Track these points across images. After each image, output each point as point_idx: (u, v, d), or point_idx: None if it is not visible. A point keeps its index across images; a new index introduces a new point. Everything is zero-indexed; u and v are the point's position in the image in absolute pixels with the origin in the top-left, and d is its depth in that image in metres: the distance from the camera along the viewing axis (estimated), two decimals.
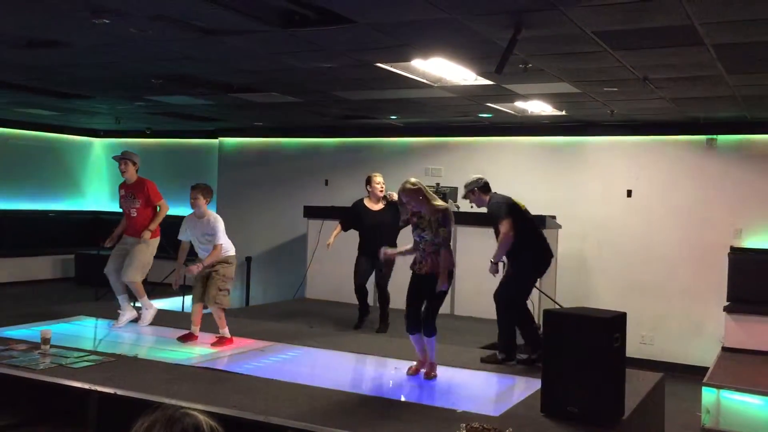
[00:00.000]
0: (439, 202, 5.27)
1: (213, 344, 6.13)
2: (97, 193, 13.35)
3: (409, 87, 6.95)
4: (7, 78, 7.54)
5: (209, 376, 5.18)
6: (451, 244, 5.27)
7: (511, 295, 5.69)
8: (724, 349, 7.83)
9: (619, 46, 5.09)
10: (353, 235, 7.56)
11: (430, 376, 5.23)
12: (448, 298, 7.89)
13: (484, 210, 6.02)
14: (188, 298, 6.56)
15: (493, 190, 5.90)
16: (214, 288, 6.13)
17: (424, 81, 6.54)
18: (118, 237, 7.01)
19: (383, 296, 7.39)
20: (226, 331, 6.18)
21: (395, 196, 5.43)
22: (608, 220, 9.24)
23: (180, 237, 6.37)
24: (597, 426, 4.10)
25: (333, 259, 8.66)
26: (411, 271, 5.32)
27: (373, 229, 7.30)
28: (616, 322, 4.25)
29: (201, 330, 6.33)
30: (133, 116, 10.68)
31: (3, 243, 11.50)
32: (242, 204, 11.57)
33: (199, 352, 5.99)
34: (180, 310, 8.79)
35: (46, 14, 4.84)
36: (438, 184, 8.41)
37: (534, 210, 6.10)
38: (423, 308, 5.19)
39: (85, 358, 5.41)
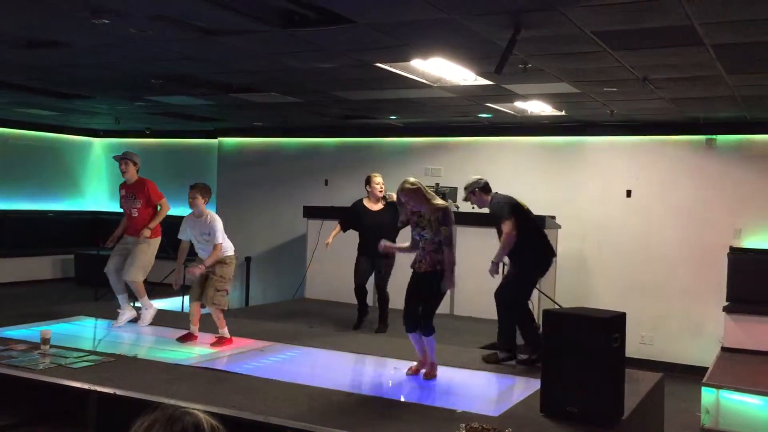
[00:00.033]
0: (438, 201, 5.28)
1: (212, 344, 6.13)
2: (96, 194, 13.35)
3: (408, 87, 6.95)
4: (7, 78, 7.54)
5: (209, 376, 5.18)
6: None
7: (513, 295, 5.69)
8: (723, 349, 7.83)
9: (618, 46, 5.09)
10: (353, 236, 7.56)
11: (430, 376, 5.23)
12: (447, 298, 7.91)
13: (484, 210, 6.02)
14: (188, 298, 6.56)
15: (494, 191, 5.89)
16: (211, 289, 6.12)
17: (424, 81, 6.54)
18: (119, 237, 7.02)
19: (382, 297, 7.40)
20: (225, 331, 6.18)
21: (395, 197, 5.43)
22: (608, 220, 9.24)
23: (180, 236, 6.37)
24: (596, 426, 4.10)
25: (332, 260, 8.67)
26: (411, 271, 5.33)
27: (373, 229, 7.30)
28: (616, 322, 4.25)
29: (200, 330, 6.33)
30: (132, 116, 10.68)
31: (3, 243, 11.50)
32: (242, 204, 11.57)
33: (198, 352, 5.99)
34: (179, 310, 8.79)
35: (46, 14, 4.84)
36: (437, 184, 8.41)
37: (534, 210, 6.10)
38: (421, 307, 5.19)
39: (85, 358, 5.41)
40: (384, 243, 5.47)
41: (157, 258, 7.01)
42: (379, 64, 6.00)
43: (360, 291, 7.49)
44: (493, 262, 5.66)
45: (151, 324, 6.96)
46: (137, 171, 7.00)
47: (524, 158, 9.76)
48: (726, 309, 7.99)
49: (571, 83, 6.52)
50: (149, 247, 6.87)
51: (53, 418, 5.01)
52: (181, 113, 9.94)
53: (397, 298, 5.48)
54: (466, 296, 8.29)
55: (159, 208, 6.93)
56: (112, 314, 7.29)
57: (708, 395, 6.44)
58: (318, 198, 10.58)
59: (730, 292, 8.27)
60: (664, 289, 8.90)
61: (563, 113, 8.32)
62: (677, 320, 8.85)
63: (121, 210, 7.17)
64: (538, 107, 7.95)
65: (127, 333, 6.79)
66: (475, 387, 5.30)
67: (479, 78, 6.36)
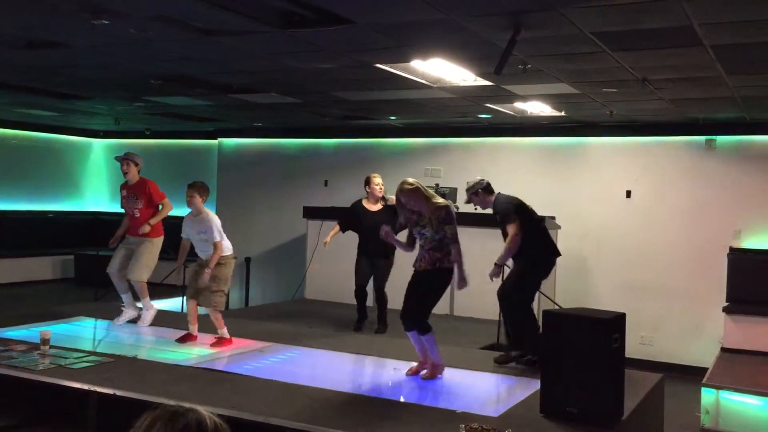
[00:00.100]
0: (438, 200, 5.29)
1: (212, 345, 6.13)
2: (96, 194, 13.34)
3: (408, 88, 6.95)
4: (7, 78, 7.54)
5: (208, 376, 5.18)
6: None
7: (517, 295, 5.66)
8: (723, 349, 7.83)
9: (618, 47, 5.09)
10: (352, 236, 7.56)
11: (428, 376, 5.22)
12: (447, 298, 7.94)
13: (487, 211, 5.99)
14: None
15: (496, 191, 5.86)
16: (208, 289, 6.13)
17: (424, 82, 6.54)
18: (120, 237, 7.05)
19: (381, 297, 7.40)
20: (224, 332, 6.18)
21: (395, 201, 5.42)
22: (607, 221, 9.24)
23: (182, 235, 6.38)
24: (596, 426, 4.10)
25: (332, 260, 8.67)
26: (411, 272, 5.33)
27: (372, 230, 7.27)
28: (616, 322, 4.25)
29: (200, 331, 6.33)
30: (132, 117, 10.68)
31: (2, 243, 11.49)
32: (241, 205, 11.57)
33: (198, 352, 6.00)
34: (179, 310, 8.78)
35: (46, 15, 4.84)
36: (437, 185, 8.41)
37: None
38: (417, 303, 5.19)
39: (85, 359, 5.41)
40: (385, 228, 5.43)
41: (158, 258, 7.03)
42: (378, 65, 6.00)
43: (360, 293, 7.49)
44: (496, 264, 5.63)
45: (151, 324, 6.96)
46: (138, 171, 7.02)
47: (524, 159, 9.76)
48: (726, 309, 7.99)
49: (571, 84, 6.52)
50: (153, 247, 6.90)
51: (53, 418, 5.00)
52: (180, 114, 9.94)
53: (396, 299, 5.48)
54: (466, 296, 8.26)
55: (161, 207, 6.95)
56: (111, 315, 7.29)
57: (708, 396, 6.44)
58: (318, 198, 10.58)
59: (730, 292, 8.26)
60: (664, 290, 8.90)
61: (563, 114, 8.32)
62: (677, 321, 8.85)
63: (122, 210, 7.20)
64: (538, 108, 7.95)
65: (126, 333, 6.79)
66: (475, 387, 5.30)
67: (479, 79, 6.36)
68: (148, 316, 6.99)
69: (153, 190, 6.93)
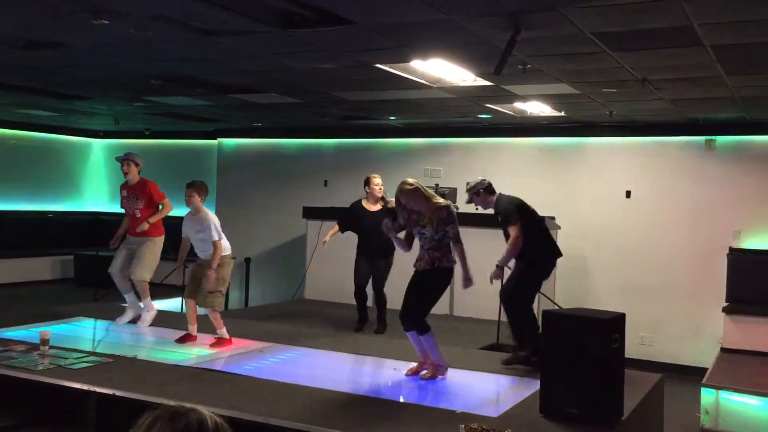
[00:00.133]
0: (439, 200, 5.29)
1: (212, 345, 6.12)
2: (96, 194, 13.34)
3: (408, 88, 6.95)
4: (7, 79, 7.54)
5: (208, 377, 5.18)
6: (451, 244, 5.27)
7: (517, 295, 5.65)
8: (723, 350, 7.83)
9: (618, 47, 5.09)
10: (352, 236, 7.56)
11: (428, 376, 5.22)
12: (447, 298, 7.94)
13: (488, 211, 5.97)
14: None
15: (497, 191, 5.85)
16: (204, 289, 6.13)
17: (424, 82, 6.54)
18: (121, 237, 7.06)
19: (380, 297, 7.40)
20: (224, 332, 6.18)
21: (394, 204, 5.40)
22: (607, 221, 9.24)
23: (182, 234, 6.39)
24: (596, 427, 4.10)
25: (332, 260, 8.67)
26: (409, 273, 5.33)
27: (371, 230, 7.31)
28: (615, 322, 4.25)
29: (199, 331, 6.33)
30: (132, 117, 10.69)
31: (2, 244, 11.50)
32: (241, 205, 11.57)
33: (197, 353, 6.00)
34: (179, 311, 8.78)
35: (46, 15, 4.84)
36: (437, 185, 8.41)
37: None
38: (415, 302, 5.20)
39: (84, 359, 5.40)
40: (387, 222, 5.42)
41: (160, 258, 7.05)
42: (378, 65, 6.00)
43: (360, 294, 7.49)
44: (497, 266, 5.61)
45: (151, 325, 6.97)
46: (139, 172, 7.04)
47: (524, 159, 9.76)
48: (725, 310, 7.99)
49: (571, 84, 6.52)
50: (155, 246, 6.92)
51: (53, 419, 5.00)
52: (180, 114, 9.94)
53: (396, 299, 5.48)
54: (465, 297, 8.26)
55: (161, 207, 6.96)
56: (111, 315, 7.30)
57: (707, 396, 6.44)
58: (317, 199, 10.58)
59: (730, 292, 8.26)
60: (664, 290, 8.89)
61: (563, 114, 8.32)
62: (677, 321, 8.85)
63: (122, 211, 7.21)
64: (538, 108, 7.95)
65: (126, 334, 6.79)
66: (475, 387, 5.30)
67: (479, 79, 6.36)
68: (149, 317, 6.99)
69: (153, 191, 6.95)
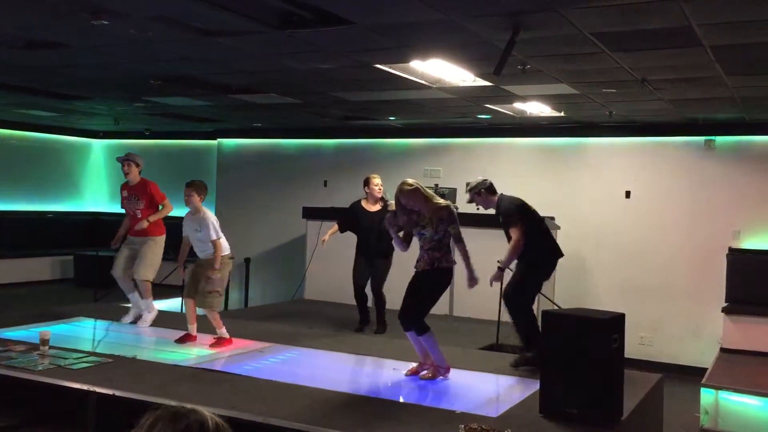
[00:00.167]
0: (439, 200, 5.29)
1: (211, 345, 6.13)
2: (96, 195, 13.34)
3: (407, 88, 6.96)
4: (7, 79, 7.54)
5: (208, 377, 5.19)
6: (450, 244, 5.28)
7: (517, 296, 5.64)
8: (722, 350, 7.84)
9: (617, 47, 5.09)
10: (352, 237, 7.57)
11: (428, 377, 5.22)
12: (446, 298, 7.94)
13: (489, 211, 5.97)
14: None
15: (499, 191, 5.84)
16: (202, 289, 6.14)
17: (423, 82, 6.54)
18: (122, 237, 7.07)
19: (379, 298, 7.40)
20: (223, 332, 6.18)
21: (394, 205, 5.39)
22: (607, 221, 9.24)
23: (183, 233, 6.40)
24: (596, 427, 4.11)
25: (332, 260, 8.67)
26: (409, 273, 5.34)
27: (370, 231, 7.32)
28: (615, 322, 4.25)
29: (199, 331, 6.34)
30: (132, 117, 10.69)
31: (2, 244, 11.49)
32: (241, 205, 11.57)
33: (197, 353, 6.00)
34: (179, 311, 8.79)
35: (46, 15, 4.84)
36: (437, 185, 8.41)
37: None
38: (414, 303, 5.20)
39: (84, 360, 5.41)
40: (389, 218, 5.41)
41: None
42: (378, 65, 6.01)
43: (360, 294, 7.49)
44: (499, 268, 5.60)
45: (150, 325, 6.98)
46: (140, 172, 7.05)
47: (523, 159, 9.76)
48: (725, 310, 8.00)
49: (570, 84, 6.52)
50: (156, 246, 6.96)
51: (53, 419, 5.00)
52: (180, 114, 9.94)
53: (396, 299, 5.48)
54: (465, 297, 8.27)
55: (161, 207, 6.97)
56: (111, 315, 7.30)
57: (707, 396, 6.44)
58: (317, 199, 10.59)
59: (729, 293, 8.26)
60: (664, 290, 8.90)
61: (562, 114, 8.33)
62: (676, 321, 8.85)
63: (122, 211, 7.22)
64: (537, 108, 7.95)
65: (126, 334, 6.80)
66: (474, 387, 5.30)
67: (478, 79, 6.36)
68: (149, 318, 7.01)
69: (154, 191, 6.97)
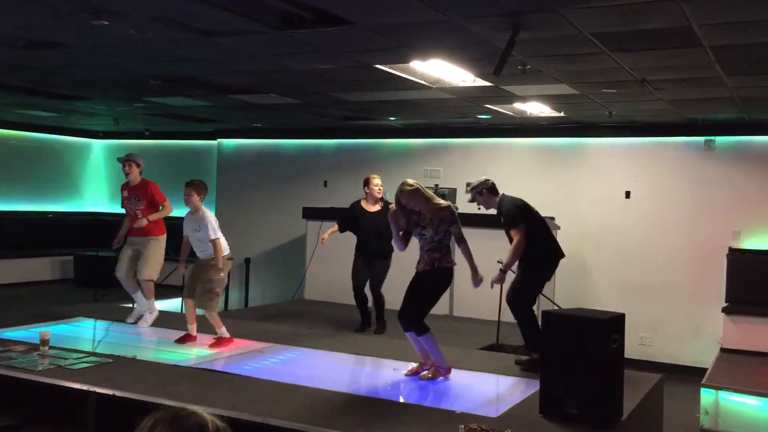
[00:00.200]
0: (440, 201, 5.30)
1: (211, 345, 6.13)
2: (96, 195, 13.35)
3: (407, 88, 6.96)
4: (7, 79, 7.54)
5: (208, 377, 5.19)
6: (450, 245, 5.28)
7: (519, 297, 5.63)
8: (722, 350, 7.84)
9: (617, 47, 5.09)
10: (352, 237, 7.57)
11: (428, 377, 5.22)
12: (446, 298, 7.94)
13: (490, 211, 5.96)
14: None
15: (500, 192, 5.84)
16: (200, 289, 6.14)
17: (423, 82, 6.55)
18: (123, 238, 7.09)
19: (378, 298, 7.40)
20: (223, 331, 6.18)
21: (394, 206, 5.38)
22: (607, 221, 9.24)
23: (183, 233, 6.41)
24: (596, 427, 4.11)
25: (332, 261, 8.67)
26: (408, 273, 5.34)
27: (370, 231, 7.32)
28: (615, 323, 4.25)
29: (199, 331, 6.34)
30: (132, 117, 10.69)
31: (2, 244, 11.49)
32: (241, 205, 11.57)
33: (197, 353, 6.00)
34: (179, 311, 8.79)
35: (46, 15, 4.84)
36: (437, 186, 8.42)
37: None
38: (414, 303, 5.20)
39: (84, 360, 5.41)
40: (392, 210, 5.38)
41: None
42: (378, 66, 6.01)
43: (359, 294, 7.49)
44: (501, 270, 5.59)
45: (150, 325, 6.98)
46: (140, 173, 7.06)
47: (523, 159, 9.76)
48: (725, 310, 8.00)
49: (570, 85, 6.52)
50: (159, 245, 6.98)
51: (53, 419, 5.01)
52: (180, 114, 9.94)
53: (396, 300, 5.48)
54: (465, 297, 8.29)
55: (161, 208, 6.98)
56: (111, 315, 7.30)
57: (707, 396, 6.44)
58: (317, 199, 10.59)
59: (729, 293, 8.27)
60: (663, 290, 8.90)
61: (562, 114, 8.33)
62: (676, 321, 8.85)
63: (122, 211, 7.23)
64: (537, 108, 7.95)
65: (126, 334, 6.79)
66: (474, 388, 5.30)
67: (478, 79, 6.36)
68: (150, 318, 7.02)
69: (155, 192, 6.98)
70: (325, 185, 11.03)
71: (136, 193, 6.99)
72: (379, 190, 7.39)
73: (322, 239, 7.55)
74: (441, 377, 5.24)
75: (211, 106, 8.97)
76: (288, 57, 5.82)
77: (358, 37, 5.03)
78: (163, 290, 8.14)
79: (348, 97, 7.79)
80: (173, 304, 8.92)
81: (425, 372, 5.27)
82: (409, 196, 5.20)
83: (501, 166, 9.54)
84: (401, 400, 4.91)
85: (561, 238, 8.66)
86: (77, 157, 13.21)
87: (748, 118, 8.30)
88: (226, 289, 10.10)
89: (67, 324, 7.05)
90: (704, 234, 8.74)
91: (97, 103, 9.28)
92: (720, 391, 6.43)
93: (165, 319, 7.16)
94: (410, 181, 5.29)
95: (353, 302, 7.60)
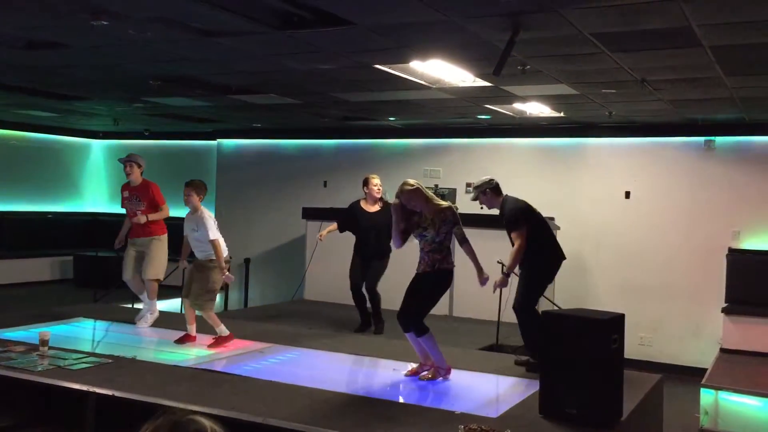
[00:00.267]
0: (440, 201, 5.29)
1: (210, 346, 6.12)
2: (95, 195, 13.35)
3: (407, 88, 6.96)
4: (6, 79, 7.54)
5: (207, 377, 5.18)
6: (450, 245, 5.28)
7: (521, 299, 5.63)
8: (722, 350, 7.84)
9: (617, 48, 5.09)
10: (352, 237, 7.56)
11: (427, 377, 5.22)
12: (446, 298, 7.94)
13: (492, 211, 5.96)
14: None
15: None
16: (196, 290, 6.14)
17: (423, 83, 6.55)
18: (124, 237, 7.09)
19: (373, 296, 7.40)
20: (222, 329, 6.18)
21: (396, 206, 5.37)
22: (606, 222, 9.24)
23: (184, 232, 6.41)
24: (595, 427, 4.10)
25: (332, 261, 8.67)
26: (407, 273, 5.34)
27: (369, 231, 7.32)
28: (615, 323, 4.25)
29: (199, 332, 6.33)
30: (131, 118, 10.69)
31: (2, 244, 11.50)
32: (241, 206, 11.57)
33: (196, 353, 6.00)
34: (178, 311, 8.79)
35: (46, 15, 4.84)
36: (437, 186, 8.41)
37: None
38: (414, 304, 5.19)
39: (84, 360, 5.40)
40: (395, 204, 5.36)
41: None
42: (378, 66, 6.01)
43: (357, 293, 7.49)
44: (504, 273, 5.58)
45: (150, 325, 6.98)
46: (141, 173, 7.07)
47: (523, 160, 9.76)
48: (725, 310, 8.00)
49: (570, 85, 6.52)
50: (162, 244, 7.01)
51: (52, 419, 5.00)
52: (179, 115, 9.94)
53: (396, 300, 5.47)
54: (465, 297, 8.29)
55: (160, 210, 7.00)
56: (111, 316, 7.30)
57: (707, 396, 6.44)
58: (317, 199, 10.59)
59: (729, 293, 8.27)
60: (663, 291, 8.90)
61: (562, 115, 8.33)
62: (676, 321, 8.85)
63: (122, 211, 7.25)
64: (537, 109, 7.95)
65: (125, 334, 6.79)
66: (474, 388, 5.30)
67: (478, 79, 6.36)
68: (150, 319, 7.02)
69: (156, 194, 7.00)
70: (325, 185, 11.03)
71: (137, 194, 7.00)
72: (378, 190, 7.39)
73: (320, 236, 7.57)
74: (441, 378, 5.24)
75: (211, 107, 8.97)
76: (288, 57, 5.82)
77: (358, 37, 5.03)
78: (163, 290, 8.13)
79: (348, 97, 7.79)
80: (173, 305, 8.92)
81: (425, 372, 5.27)
82: (409, 195, 5.20)
83: (501, 167, 9.53)
84: (401, 400, 4.91)
85: (561, 238, 8.63)
86: (77, 158, 13.21)
87: (747, 118, 8.30)
88: (226, 289, 10.11)
89: (67, 324, 7.04)
90: (704, 234, 8.74)
91: (97, 104, 9.28)
92: (720, 392, 6.43)
93: (165, 320, 7.16)
94: (411, 180, 5.29)
95: (353, 302, 7.60)
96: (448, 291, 5.48)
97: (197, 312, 6.26)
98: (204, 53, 5.80)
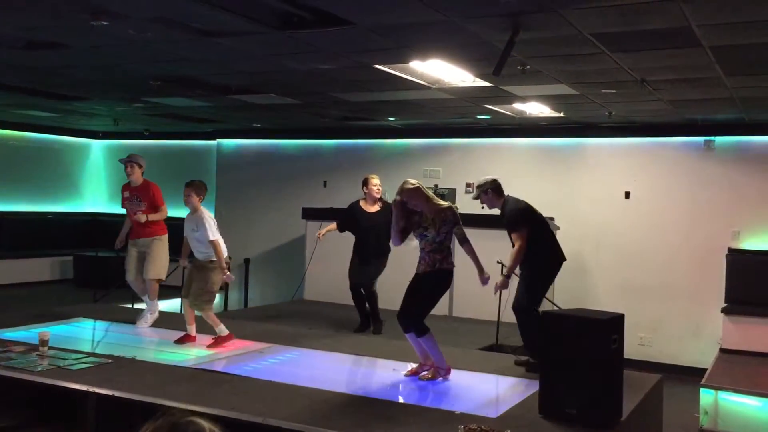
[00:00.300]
0: (440, 201, 5.30)
1: (209, 345, 6.13)
2: (95, 195, 13.34)
3: (407, 89, 6.96)
4: (6, 80, 7.54)
5: (207, 377, 5.19)
6: (450, 246, 5.28)
7: (523, 301, 5.63)
8: (722, 350, 7.84)
9: (617, 48, 5.09)
10: (352, 237, 7.56)
11: (427, 377, 5.22)
12: (446, 299, 7.94)
13: (493, 211, 5.95)
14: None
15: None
16: (195, 290, 6.14)
17: (423, 83, 6.55)
18: (125, 238, 7.10)
19: (370, 295, 7.40)
20: (221, 328, 6.18)
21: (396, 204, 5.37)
22: (606, 222, 9.24)
23: (184, 233, 6.42)
24: (595, 428, 4.11)
25: (331, 261, 8.67)
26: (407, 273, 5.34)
27: (369, 231, 7.32)
28: (614, 323, 4.25)
29: (198, 332, 6.34)
30: (131, 118, 10.69)
31: (1, 244, 11.50)
32: (240, 206, 11.57)
33: (196, 353, 6.00)
34: (178, 311, 8.79)
35: (46, 15, 4.84)
36: (436, 186, 8.40)
37: None
38: (414, 304, 5.19)
39: (83, 360, 5.41)
40: (397, 201, 5.37)
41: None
42: (377, 66, 6.01)
43: (356, 293, 7.49)
44: (504, 275, 5.58)
45: (150, 325, 6.98)
46: (142, 173, 7.08)
47: (523, 160, 9.76)
48: (724, 310, 8.00)
49: (570, 85, 6.52)
50: (163, 244, 7.02)
51: (52, 419, 5.00)
52: (179, 115, 9.94)
53: (396, 300, 5.47)
54: (464, 297, 8.29)
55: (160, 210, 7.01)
56: (110, 316, 7.30)
57: (707, 396, 6.44)
58: (317, 199, 10.59)
59: (729, 293, 8.27)
60: (663, 291, 8.90)
61: (562, 115, 8.33)
62: (676, 322, 8.85)
63: (122, 211, 7.26)
64: (537, 109, 7.95)
65: (125, 334, 6.80)
66: (474, 388, 5.30)
67: (478, 79, 6.36)
68: (150, 319, 7.02)
69: (156, 194, 7.00)
70: (325, 185, 11.03)
71: (138, 194, 7.00)
72: (378, 190, 7.39)
73: (319, 235, 7.57)
74: (440, 378, 5.24)
75: (211, 107, 8.97)
76: (288, 57, 5.82)
77: (358, 37, 5.03)
78: (163, 290, 8.13)
79: (348, 97, 7.79)
80: (173, 304, 8.91)
81: (425, 372, 5.27)
82: (410, 194, 5.20)
83: (501, 167, 9.52)
84: (401, 400, 4.91)
85: (561, 238, 8.60)
86: (77, 158, 13.21)
87: (747, 119, 8.30)
88: (226, 289, 10.11)
89: (67, 324, 7.05)
90: (704, 234, 8.74)
91: (97, 104, 9.28)
92: (719, 392, 6.43)
93: (164, 320, 7.16)
94: (412, 180, 5.31)
95: (353, 303, 7.60)
96: (448, 291, 5.49)
97: (196, 312, 6.26)
98: (204, 53, 5.80)
